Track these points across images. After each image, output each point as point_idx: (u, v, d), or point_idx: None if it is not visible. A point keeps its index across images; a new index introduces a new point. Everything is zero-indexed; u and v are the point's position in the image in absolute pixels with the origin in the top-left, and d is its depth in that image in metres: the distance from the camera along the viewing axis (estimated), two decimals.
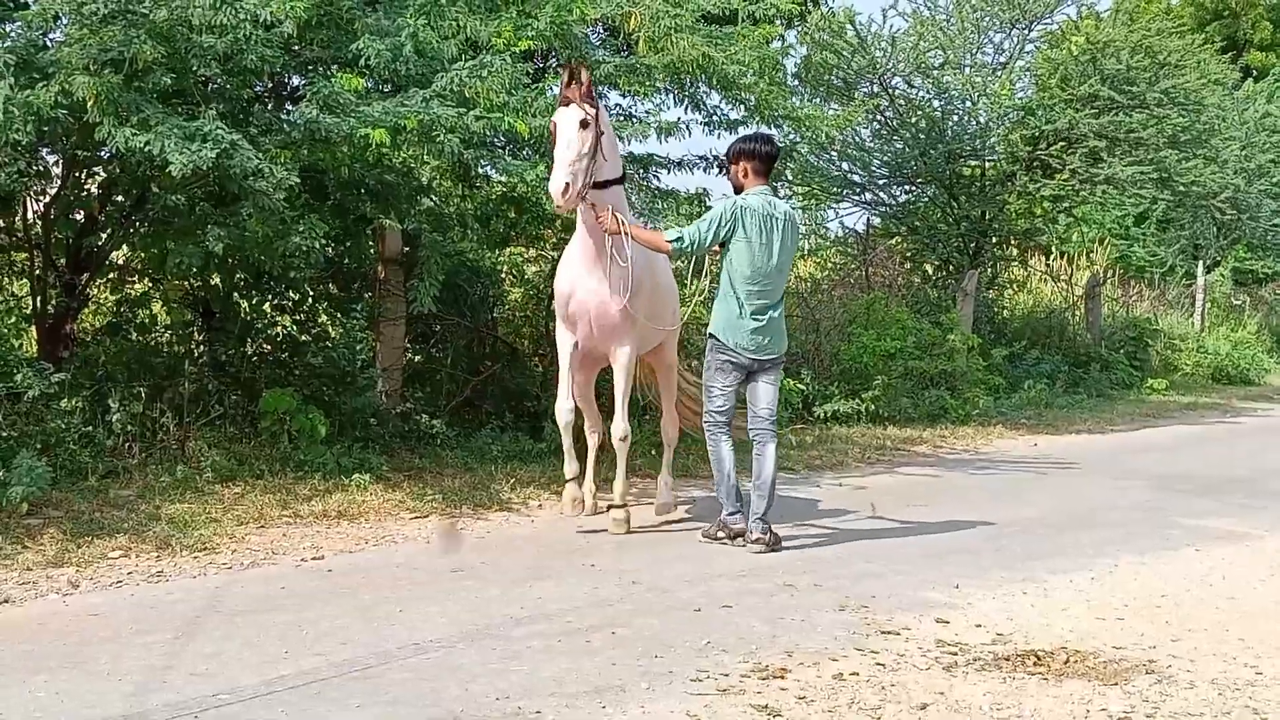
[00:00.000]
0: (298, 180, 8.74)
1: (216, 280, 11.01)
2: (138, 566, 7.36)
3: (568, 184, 8.16)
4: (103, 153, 9.26)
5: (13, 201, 10.34)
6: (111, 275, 11.17)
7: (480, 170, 11.52)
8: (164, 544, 7.81)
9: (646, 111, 13.21)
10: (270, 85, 10.66)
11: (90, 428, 9.56)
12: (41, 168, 10.21)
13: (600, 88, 12.29)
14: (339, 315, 12.14)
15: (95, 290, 11.09)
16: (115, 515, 8.33)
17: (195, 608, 6.64)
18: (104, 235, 10.66)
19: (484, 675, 5.62)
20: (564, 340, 9.14)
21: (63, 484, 8.67)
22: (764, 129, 12.29)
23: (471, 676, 5.61)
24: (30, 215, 10.68)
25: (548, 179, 8.73)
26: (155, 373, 10.46)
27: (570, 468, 9.29)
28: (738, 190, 8.69)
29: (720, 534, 8.65)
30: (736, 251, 8.43)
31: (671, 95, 12.70)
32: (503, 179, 11.63)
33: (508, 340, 13.43)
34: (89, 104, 8.16)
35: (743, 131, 12.98)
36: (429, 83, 9.38)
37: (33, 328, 10.61)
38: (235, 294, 11.23)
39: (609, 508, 9.15)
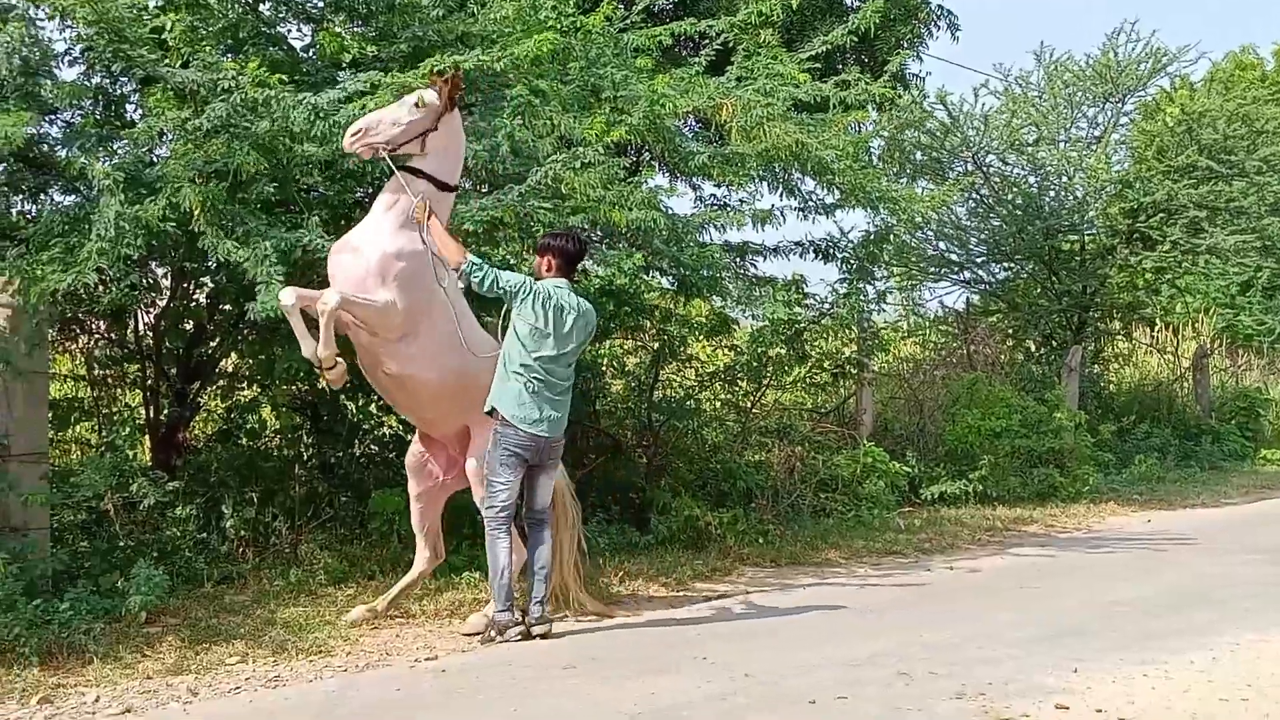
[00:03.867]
0: None
1: (323, 383, 11.14)
2: (255, 672, 7.41)
3: (364, 129, 8.10)
4: (209, 263, 9.45)
5: (124, 314, 10.59)
6: (221, 383, 11.37)
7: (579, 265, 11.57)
8: (280, 648, 7.87)
9: (741, 200, 13.28)
10: (372, 190, 10.84)
11: (204, 534, 9.72)
12: (151, 280, 10.44)
13: (695, 179, 12.41)
14: None
15: (206, 398, 11.29)
16: (231, 621, 8.41)
17: (313, 713, 6.67)
18: (213, 344, 10.87)
19: None
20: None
21: (179, 591, 8.79)
22: (861, 211, 12.38)
23: None
24: (141, 327, 10.92)
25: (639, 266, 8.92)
26: (266, 477, 10.60)
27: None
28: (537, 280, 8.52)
29: (493, 633, 8.27)
30: (525, 334, 8.26)
31: (765, 183, 12.73)
32: (600, 272, 11.71)
33: (610, 433, 13.45)
34: (195, 214, 8.36)
35: (839, 216, 13.04)
36: (525, 180, 9.49)
37: (146, 437, 10.81)
38: (342, 396, 11.37)
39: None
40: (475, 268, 8.21)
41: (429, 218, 8.19)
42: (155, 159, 9.28)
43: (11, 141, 8.03)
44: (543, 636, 8.33)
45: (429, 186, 8.29)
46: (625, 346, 14.05)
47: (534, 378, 8.26)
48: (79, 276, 8.09)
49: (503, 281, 8.22)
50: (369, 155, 8.27)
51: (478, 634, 8.35)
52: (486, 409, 8.33)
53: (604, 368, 13.73)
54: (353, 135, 8.10)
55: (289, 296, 7.82)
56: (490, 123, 9.82)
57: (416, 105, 8.20)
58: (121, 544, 9.12)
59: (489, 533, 8.37)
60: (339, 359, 7.99)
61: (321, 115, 8.72)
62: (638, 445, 13.45)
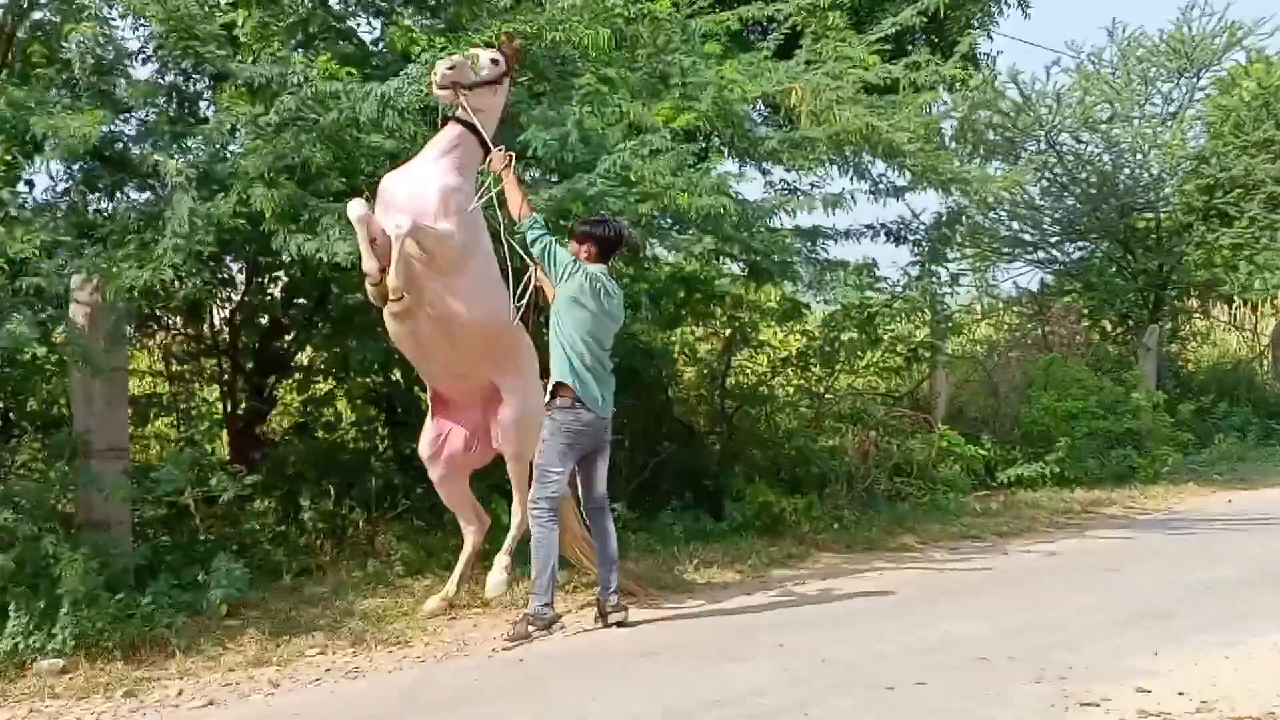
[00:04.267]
0: None
1: (397, 375, 11.20)
2: (335, 663, 7.48)
3: (456, 66, 8.09)
4: (284, 257, 9.51)
5: (201, 310, 10.71)
6: (297, 376, 11.45)
7: (649, 252, 11.55)
8: (359, 640, 7.92)
9: (811, 184, 13.24)
10: None
11: (283, 527, 9.80)
12: (226, 275, 10.54)
13: (765, 163, 12.39)
14: None
15: (282, 391, 11.39)
16: (311, 613, 8.48)
17: (393, 703, 6.72)
18: (288, 337, 10.96)
19: None
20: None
21: (259, 584, 8.84)
22: (933, 193, 12.32)
23: None
24: (217, 322, 11.03)
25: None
26: (343, 470, 10.68)
27: None
28: None
29: (532, 628, 8.06)
30: (574, 314, 8.18)
31: (835, 167, 12.68)
32: (670, 257, 11.71)
33: (683, 419, 13.46)
34: (267, 215, 8.44)
35: (909, 198, 12.96)
36: (594, 168, 9.47)
37: (224, 431, 10.93)
38: (415, 387, 11.41)
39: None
40: (536, 225, 8.23)
41: (507, 169, 8.23)
42: (228, 155, 9.36)
43: (86, 141, 8.13)
44: (619, 624, 8.34)
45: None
46: (697, 333, 14.05)
47: (594, 355, 8.25)
48: (155, 273, 8.15)
49: (557, 251, 8.21)
50: (451, 99, 8.19)
51: (519, 638, 8.03)
52: (550, 389, 8.26)
53: (675, 355, 13.74)
54: (448, 69, 8.07)
55: (358, 208, 7.84)
56: (559, 111, 9.81)
57: (493, 61, 8.30)
58: (201, 538, 9.23)
59: (540, 525, 8.23)
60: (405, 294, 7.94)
61: (390, 103, 8.75)
62: (711, 432, 13.46)
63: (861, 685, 6.83)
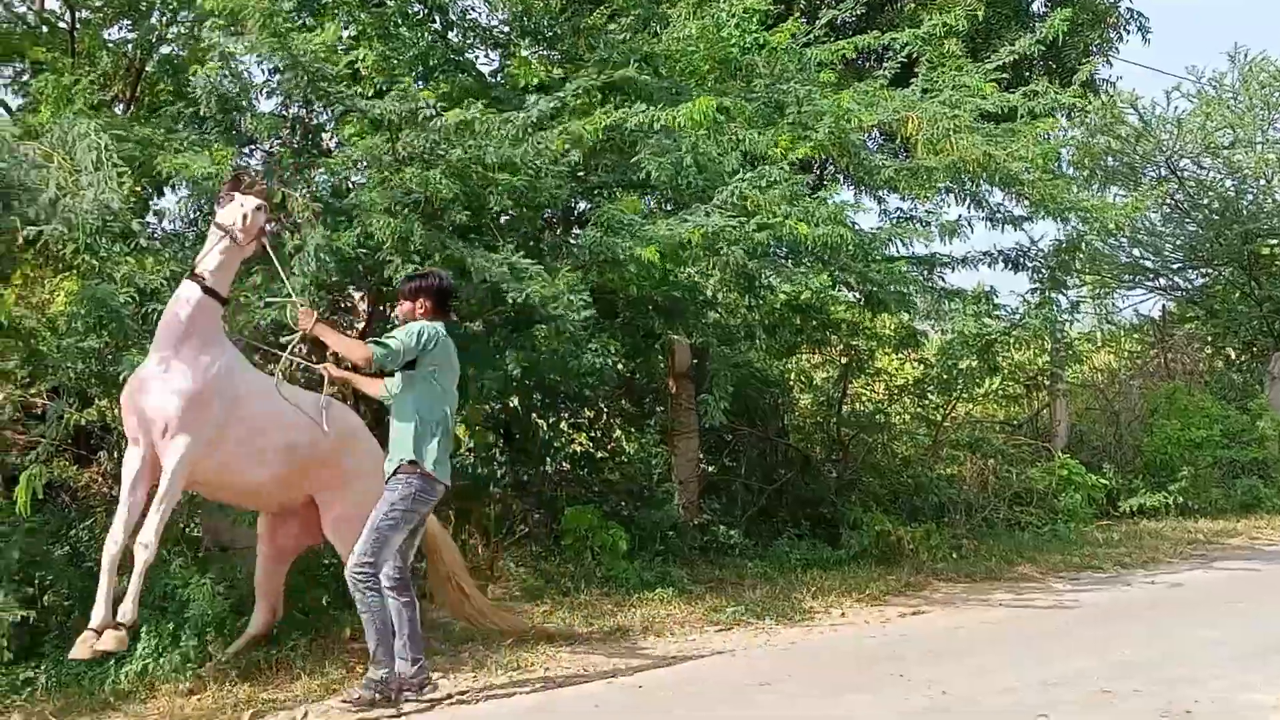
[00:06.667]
0: (590, 305, 8.78)
1: (515, 402, 11.27)
2: (456, 687, 7.54)
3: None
4: None
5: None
6: None
7: (764, 281, 11.51)
8: (480, 664, 8.00)
9: (928, 212, 13.18)
10: (559, 211, 10.99)
11: None
12: (348, 304, 10.69)
13: (880, 191, 12.37)
14: (633, 431, 12.34)
15: None
16: (431, 637, 8.50)
17: None
18: None
19: None
20: (130, 457, 7.24)
21: None
22: (1049, 221, 12.23)
23: None
24: None
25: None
26: (461, 495, 10.75)
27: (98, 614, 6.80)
28: None
29: (408, 691, 7.22)
30: (433, 386, 7.47)
31: (952, 195, 12.62)
32: (786, 288, 11.69)
33: (799, 447, 13.44)
34: (385, 243, 8.54)
35: (1026, 227, 12.86)
36: (710, 197, 9.50)
37: None
38: (533, 414, 11.50)
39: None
40: (383, 350, 7.36)
41: (316, 324, 7.52)
42: (350, 186, 9.50)
43: (214, 181, 8.22)
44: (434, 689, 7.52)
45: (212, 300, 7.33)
46: (812, 361, 14.03)
47: (450, 421, 7.69)
48: (285, 311, 8.06)
49: (411, 342, 7.41)
50: (260, 248, 7.55)
51: (361, 704, 7.15)
52: (402, 459, 7.39)
53: (791, 383, 13.72)
54: (266, 221, 7.48)
55: (112, 545, 6.87)
56: (675, 139, 9.84)
57: (258, 209, 7.45)
58: (325, 562, 9.34)
59: (366, 590, 7.26)
60: None
61: (521, 140, 8.86)
62: (827, 460, 13.43)
63: (984, 718, 6.77)
